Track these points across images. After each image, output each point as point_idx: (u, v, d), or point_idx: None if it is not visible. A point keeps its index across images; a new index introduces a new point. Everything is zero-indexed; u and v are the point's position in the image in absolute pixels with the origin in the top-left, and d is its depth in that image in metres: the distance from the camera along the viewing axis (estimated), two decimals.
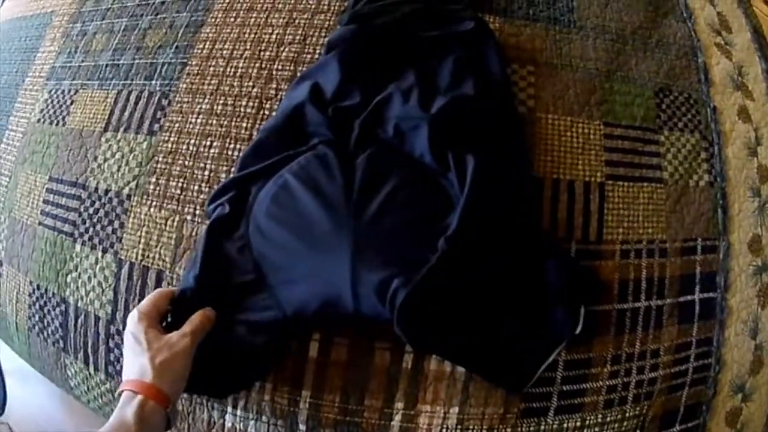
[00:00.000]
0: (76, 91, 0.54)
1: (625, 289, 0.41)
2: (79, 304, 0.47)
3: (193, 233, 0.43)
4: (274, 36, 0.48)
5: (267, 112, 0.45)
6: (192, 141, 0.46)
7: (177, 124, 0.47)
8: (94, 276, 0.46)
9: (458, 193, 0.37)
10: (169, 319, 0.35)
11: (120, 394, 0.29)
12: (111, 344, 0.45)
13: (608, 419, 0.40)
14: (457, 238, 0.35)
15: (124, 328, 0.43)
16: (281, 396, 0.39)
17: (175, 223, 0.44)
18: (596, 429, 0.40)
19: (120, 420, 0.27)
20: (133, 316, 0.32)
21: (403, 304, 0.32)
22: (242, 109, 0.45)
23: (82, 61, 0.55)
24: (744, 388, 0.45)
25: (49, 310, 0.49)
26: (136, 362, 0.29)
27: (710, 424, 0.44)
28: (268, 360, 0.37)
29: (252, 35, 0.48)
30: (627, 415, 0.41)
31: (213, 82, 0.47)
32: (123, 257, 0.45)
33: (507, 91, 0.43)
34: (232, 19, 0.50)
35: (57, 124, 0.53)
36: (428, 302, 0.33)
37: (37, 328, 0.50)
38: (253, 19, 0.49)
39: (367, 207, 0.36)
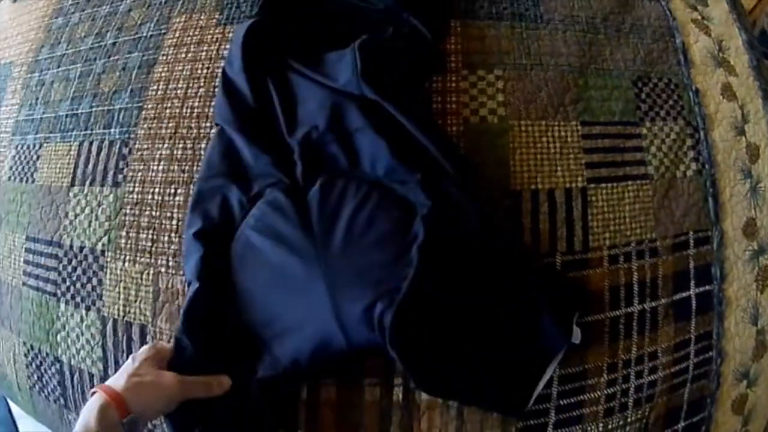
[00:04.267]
0: (41, 145, 0.51)
1: (617, 295, 0.39)
2: (72, 362, 0.45)
3: (169, 285, 0.41)
4: None
5: None
6: (156, 190, 0.43)
7: (140, 173, 0.44)
8: (82, 334, 0.45)
9: (420, 199, 0.35)
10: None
11: (93, 394, 0.30)
12: None
13: (610, 427, 0.39)
14: (427, 245, 0.33)
15: None
16: None
17: (151, 276, 0.42)
18: None
19: (85, 422, 0.29)
20: (147, 345, 0.34)
21: (392, 325, 0.31)
22: (202, 152, 0.42)
23: (43, 113, 0.52)
24: (748, 375, 0.43)
25: (45, 370, 0.48)
26: (120, 374, 0.31)
27: (716, 415, 0.42)
28: (276, 413, 0.36)
29: (204, 70, 0.45)
30: (629, 420, 0.39)
31: (170, 125, 0.45)
32: (106, 314, 0.43)
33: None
34: (183, 55, 0.47)
35: (27, 182, 0.51)
36: (416, 318, 0.32)
37: (37, 387, 0.49)
38: (204, 53, 0.46)
39: (332, 239, 0.34)
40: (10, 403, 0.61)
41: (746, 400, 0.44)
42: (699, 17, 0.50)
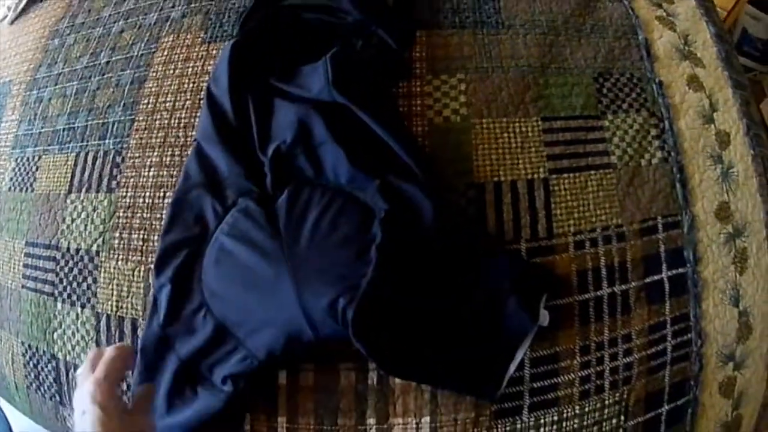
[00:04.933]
0: (40, 157, 0.58)
1: (585, 279, 0.43)
2: (68, 359, 0.50)
3: None
4: None
5: None
6: (147, 194, 0.49)
7: (132, 180, 0.50)
8: (77, 331, 0.50)
9: (378, 204, 0.39)
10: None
11: None
12: None
13: (587, 409, 0.42)
14: (385, 245, 0.37)
15: None
16: (260, 424, 0.41)
17: (142, 273, 0.47)
18: (575, 421, 0.41)
19: None
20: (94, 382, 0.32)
21: (354, 320, 0.35)
22: None
23: (42, 128, 0.59)
24: (734, 357, 0.45)
25: (42, 367, 0.53)
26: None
27: (702, 397, 0.44)
28: (248, 402, 0.41)
29: (191, 85, 0.52)
30: (606, 402, 0.42)
31: (160, 134, 0.51)
32: (100, 310, 0.48)
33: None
34: (172, 71, 0.53)
35: (26, 191, 0.58)
36: (378, 313, 0.36)
37: (34, 385, 0.54)
38: (190, 69, 0.53)
39: (298, 241, 0.39)
40: (10, 420, 0.66)
41: (734, 383, 0.45)
42: (663, 14, 0.55)
